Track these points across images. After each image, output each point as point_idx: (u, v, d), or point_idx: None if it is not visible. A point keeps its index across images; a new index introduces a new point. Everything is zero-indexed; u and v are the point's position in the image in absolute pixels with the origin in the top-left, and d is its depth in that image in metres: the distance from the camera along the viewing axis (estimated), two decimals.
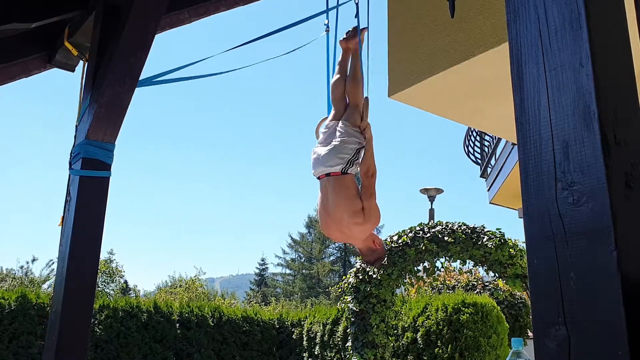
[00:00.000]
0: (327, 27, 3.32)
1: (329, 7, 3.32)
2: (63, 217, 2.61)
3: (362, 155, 2.93)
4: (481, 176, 10.25)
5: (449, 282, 11.38)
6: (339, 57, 3.25)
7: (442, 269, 8.78)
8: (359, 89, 3.08)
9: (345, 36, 3.24)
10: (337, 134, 2.95)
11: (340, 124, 2.99)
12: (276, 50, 3.37)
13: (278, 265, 37.70)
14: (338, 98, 3.14)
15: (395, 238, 7.93)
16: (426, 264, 8.08)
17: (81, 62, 2.95)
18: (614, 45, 0.99)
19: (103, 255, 20.55)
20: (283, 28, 3.20)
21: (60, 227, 2.62)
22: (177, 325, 9.70)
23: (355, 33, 3.18)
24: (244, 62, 3.20)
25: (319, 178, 3.01)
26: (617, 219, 0.86)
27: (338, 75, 3.17)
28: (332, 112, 3.13)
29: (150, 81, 2.72)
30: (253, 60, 3.26)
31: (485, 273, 9.52)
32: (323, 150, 2.95)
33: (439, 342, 8.08)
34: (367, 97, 3.13)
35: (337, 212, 2.99)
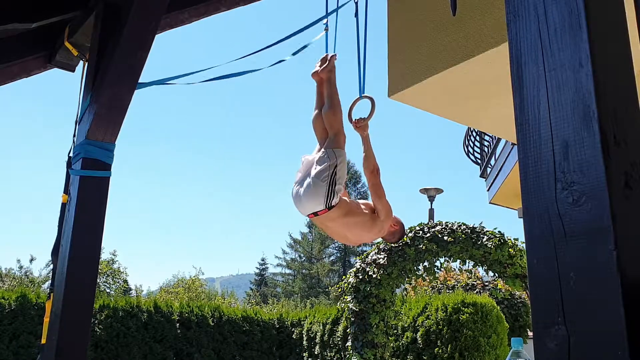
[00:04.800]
0: (326, 26, 3.33)
1: (329, 9, 3.33)
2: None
3: (340, 172, 2.81)
4: (481, 176, 10.24)
5: (449, 282, 11.38)
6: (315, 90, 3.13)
7: (442, 269, 8.78)
8: (337, 116, 2.97)
9: (316, 68, 3.13)
10: (313, 171, 2.83)
11: (319, 154, 2.90)
12: (277, 51, 3.37)
13: (278, 265, 37.73)
14: (320, 131, 3.06)
15: None
16: (426, 263, 8.07)
17: (81, 62, 2.95)
18: (614, 45, 0.99)
19: (106, 256, 20.48)
20: (285, 38, 3.21)
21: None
22: (177, 325, 9.70)
23: (325, 62, 3.12)
24: (245, 64, 3.21)
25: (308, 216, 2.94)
26: (617, 219, 0.86)
27: (317, 111, 3.09)
28: (317, 146, 3.06)
29: (151, 83, 2.72)
30: (254, 61, 3.27)
31: (485, 273, 9.52)
32: (301, 191, 2.86)
33: (438, 342, 8.08)
34: (372, 98, 3.13)
35: (354, 238, 3.04)
